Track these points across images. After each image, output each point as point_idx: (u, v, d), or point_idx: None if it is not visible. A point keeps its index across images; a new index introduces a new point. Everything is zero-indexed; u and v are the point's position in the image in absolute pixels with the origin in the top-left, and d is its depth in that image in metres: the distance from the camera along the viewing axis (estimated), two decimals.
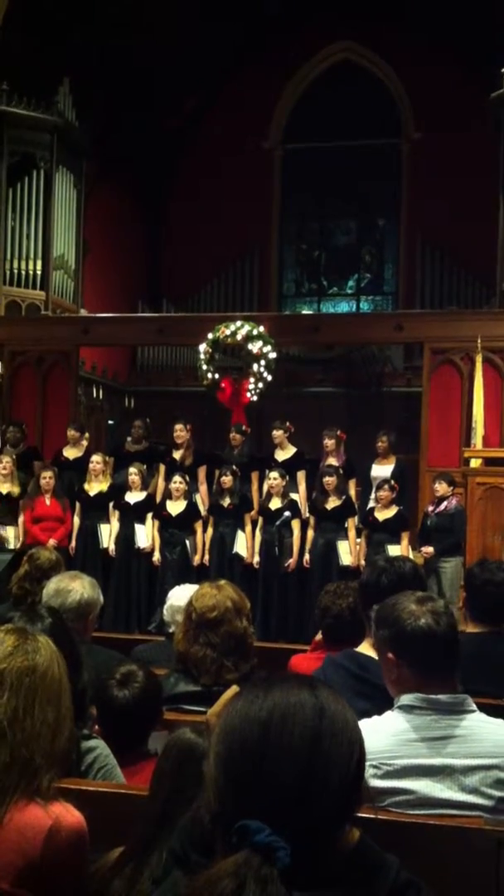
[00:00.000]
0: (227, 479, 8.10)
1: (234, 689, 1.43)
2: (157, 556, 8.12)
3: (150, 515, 8.23)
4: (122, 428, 12.45)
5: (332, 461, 8.38)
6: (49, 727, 1.74)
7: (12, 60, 10.88)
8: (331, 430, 8.63)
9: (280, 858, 1.02)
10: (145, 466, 8.58)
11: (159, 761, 1.89)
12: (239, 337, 9.95)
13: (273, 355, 9.97)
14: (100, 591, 3.39)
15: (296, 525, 7.97)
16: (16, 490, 8.44)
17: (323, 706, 1.13)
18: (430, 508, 8.12)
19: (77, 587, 3.23)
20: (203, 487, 8.53)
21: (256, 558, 8.01)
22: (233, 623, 2.81)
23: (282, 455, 8.52)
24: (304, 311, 16.10)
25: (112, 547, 8.25)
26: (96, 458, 8.53)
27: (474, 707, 2.06)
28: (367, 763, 1.22)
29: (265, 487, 8.17)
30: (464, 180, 13.79)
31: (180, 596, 3.47)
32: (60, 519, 8.36)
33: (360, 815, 1.16)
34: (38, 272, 11.86)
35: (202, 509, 8.33)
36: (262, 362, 9.87)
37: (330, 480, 7.91)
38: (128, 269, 15.68)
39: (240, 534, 8.11)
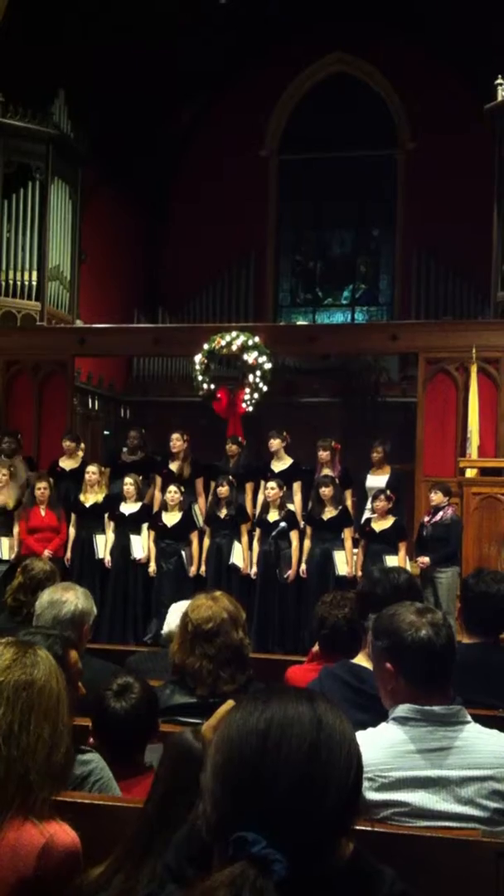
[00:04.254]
0: (223, 490, 8.09)
1: (229, 703, 1.42)
2: (152, 567, 8.11)
3: (145, 526, 8.22)
4: (117, 438, 12.43)
5: (328, 471, 8.37)
6: (45, 743, 1.72)
7: (7, 71, 10.90)
8: (325, 440, 8.61)
9: (276, 871, 1.02)
10: (141, 477, 8.56)
11: (159, 764, 1.88)
12: (235, 347, 9.96)
13: (269, 365, 9.97)
14: (93, 601, 3.38)
15: (294, 536, 7.96)
16: (11, 501, 8.42)
17: (321, 718, 1.12)
18: (427, 518, 8.11)
19: (71, 598, 3.21)
20: (202, 499, 8.52)
21: (254, 569, 7.99)
22: (229, 634, 2.79)
23: (278, 466, 8.49)
24: (300, 322, 16.12)
25: (108, 558, 8.24)
26: (92, 469, 8.51)
27: (469, 718, 2.06)
28: (363, 775, 1.21)
29: (261, 497, 8.16)
30: (459, 191, 13.84)
31: (181, 611, 3.46)
32: (56, 529, 8.33)
33: (357, 827, 1.15)
34: (34, 283, 11.86)
35: (200, 520, 8.31)
36: (258, 372, 9.87)
37: (326, 491, 7.90)
38: (124, 279, 15.68)
39: (236, 544, 8.09)
